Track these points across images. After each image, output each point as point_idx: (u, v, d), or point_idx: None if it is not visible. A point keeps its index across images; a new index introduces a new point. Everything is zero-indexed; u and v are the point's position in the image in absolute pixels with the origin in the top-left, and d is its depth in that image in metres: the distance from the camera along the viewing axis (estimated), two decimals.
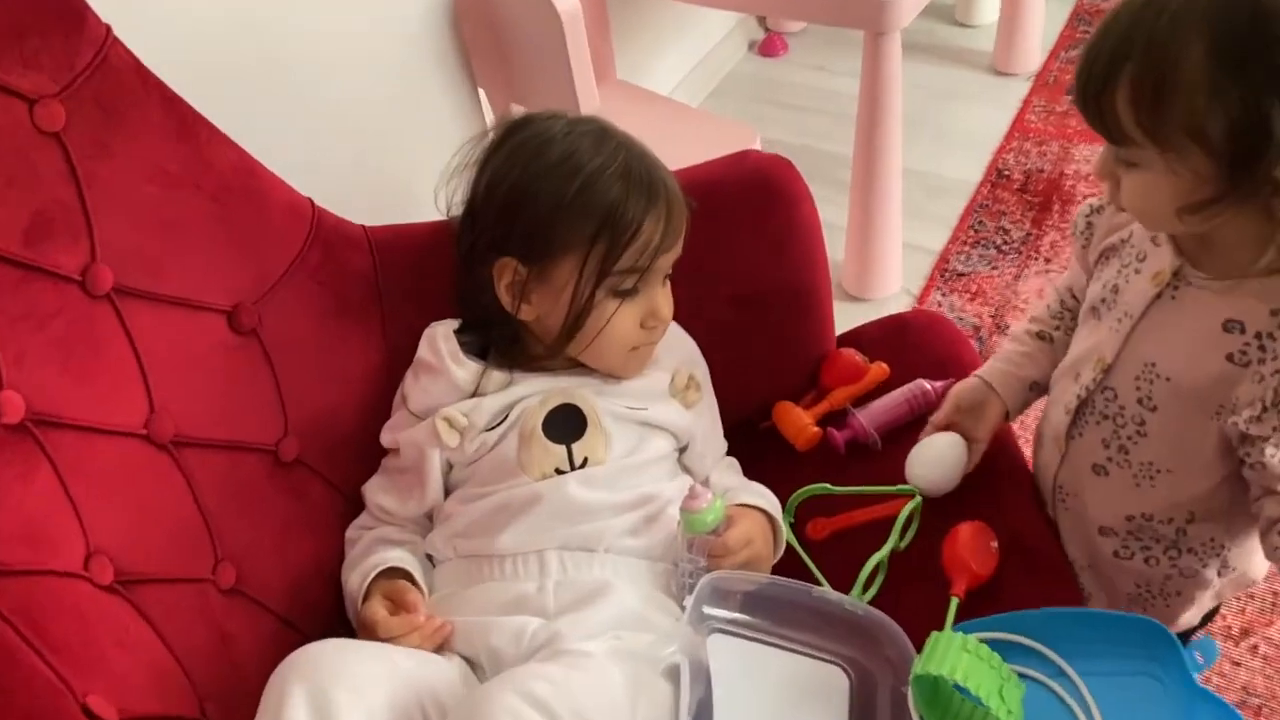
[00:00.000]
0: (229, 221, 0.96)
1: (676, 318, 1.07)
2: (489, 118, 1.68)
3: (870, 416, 1.12)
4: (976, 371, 1.05)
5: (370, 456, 1.04)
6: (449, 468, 0.99)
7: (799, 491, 1.07)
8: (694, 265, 1.11)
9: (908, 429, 1.12)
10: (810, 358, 1.18)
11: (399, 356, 1.05)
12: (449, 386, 0.99)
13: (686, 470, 1.04)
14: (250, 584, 0.94)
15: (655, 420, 0.99)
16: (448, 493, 1.00)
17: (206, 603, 0.90)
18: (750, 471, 1.11)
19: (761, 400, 1.17)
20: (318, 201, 1.06)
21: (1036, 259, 2.02)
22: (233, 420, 0.96)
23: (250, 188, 0.98)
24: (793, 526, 1.06)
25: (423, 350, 1.02)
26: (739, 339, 1.14)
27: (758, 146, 1.74)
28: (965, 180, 2.22)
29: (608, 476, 0.95)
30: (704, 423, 1.05)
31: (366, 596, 0.93)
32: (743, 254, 1.11)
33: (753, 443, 1.15)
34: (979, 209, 2.15)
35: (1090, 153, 2.24)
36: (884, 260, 1.92)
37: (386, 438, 1.02)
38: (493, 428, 0.97)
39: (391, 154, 1.44)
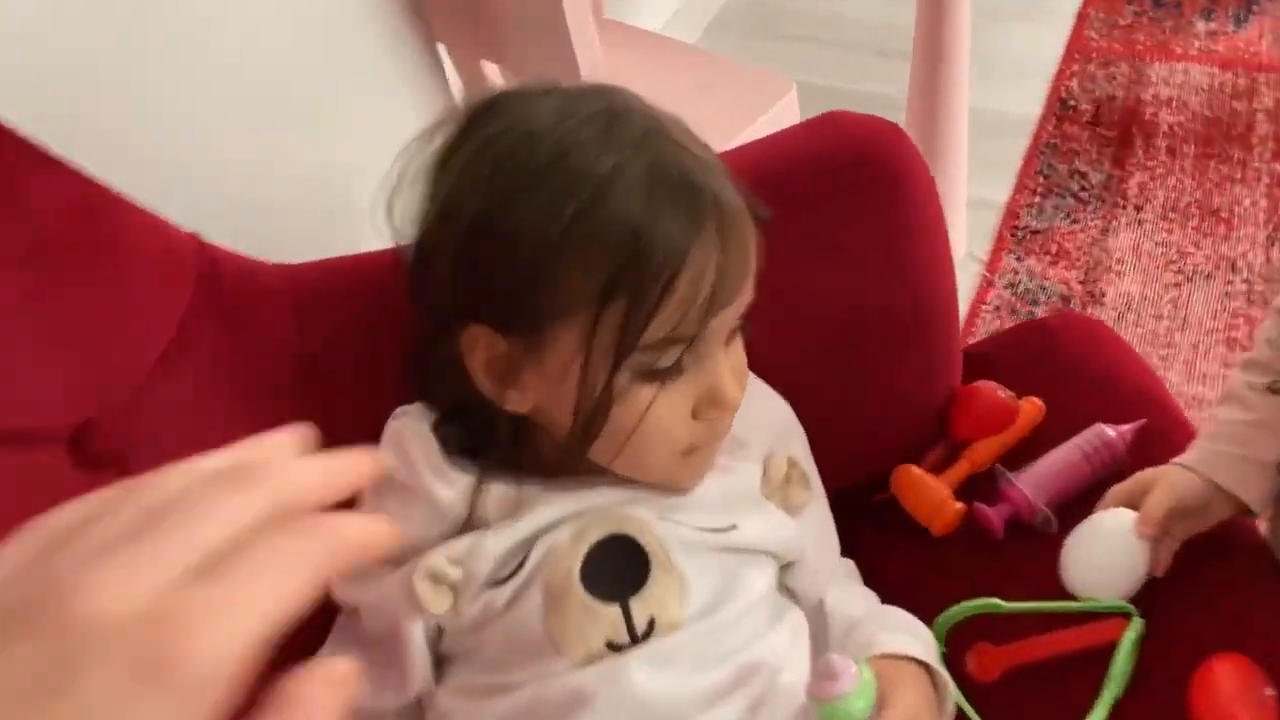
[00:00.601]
0: (56, 296, 0.60)
1: (751, 365, 0.73)
2: (454, 83, 1.30)
3: (1036, 483, 0.79)
4: (1189, 459, 0.71)
5: (323, 620, 0.70)
6: (438, 632, 0.66)
7: (952, 610, 0.74)
8: (771, 286, 0.76)
9: (1091, 499, 0.78)
10: (936, 399, 0.84)
11: None
12: (429, 513, 0.65)
13: (789, 594, 0.70)
14: None
15: (750, 543, 0.65)
16: (439, 667, 0.66)
17: None
18: (865, 564, 0.77)
19: (870, 464, 0.84)
20: (209, 235, 0.71)
21: (1125, 207, 1.68)
22: None
23: (95, 237, 0.63)
24: (945, 661, 0.73)
25: (386, 458, 0.68)
26: (837, 382, 0.80)
27: (793, 99, 1.38)
28: (1023, 116, 1.87)
29: (690, 647, 0.61)
30: (815, 527, 0.71)
31: None
32: (842, 264, 0.76)
33: (863, 526, 0.81)
34: (1045, 150, 1.79)
35: (1168, 72, 1.89)
36: (948, 220, 1.57)
37: (342, 591, 0.68)
38: (502, 580, 0.62)
39: (317, 149, 1.02)
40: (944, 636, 0.74)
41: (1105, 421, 0.80)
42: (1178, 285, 1.55)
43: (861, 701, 0.58)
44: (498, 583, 0.62)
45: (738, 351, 0.63)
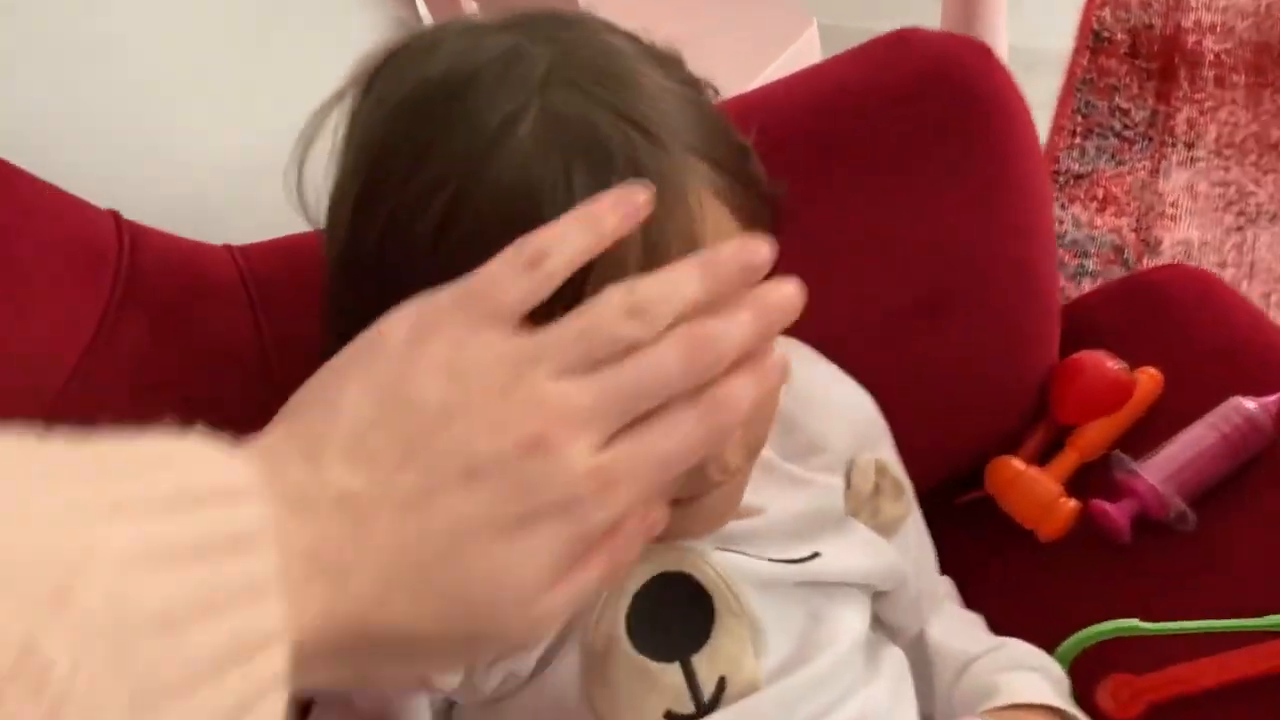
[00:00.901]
0: None
1: (818, 345, 0.59)
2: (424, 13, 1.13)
3: (1165, 472, 0.65)
4: None
5: None
6: (448, 706, 0.52)
7: (1080, 635, 0.60)
8: (837, 255, 0.62)
9: (1235, 488, 0.65)
10: (1035, 375, 0.69)
11: None
12: None
13: (882, 628, 0.56)
14: None
15: (838, 573, 0.51)
16: None
17: None
18: (960, 594, 0.64)
19: (956, 459, 0.70)
20: (135, 214, 0.56)
21: (1174, 145, 1.53)
22: None
23: None
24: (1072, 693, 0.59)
25: None
26: (915, 362, 0.65)
27: (814, 34, 1.23)
28: (1054, 50, 1.71)
29: (773, 713, 0.47)
30: (912, 545, 0.57)
31: None
32: (920, 217, 0.62)
33: (952, 534, 0.67)
34: (1082, 86, 1.64)
35: None
36: None
37: None
38: None
39: (270, 105, 0.83)
40: (1068, 669, 0.60)
41: (1238, 393, 0.66)
42: (1240, 229, 1.41)
43: None
44: None
45: None
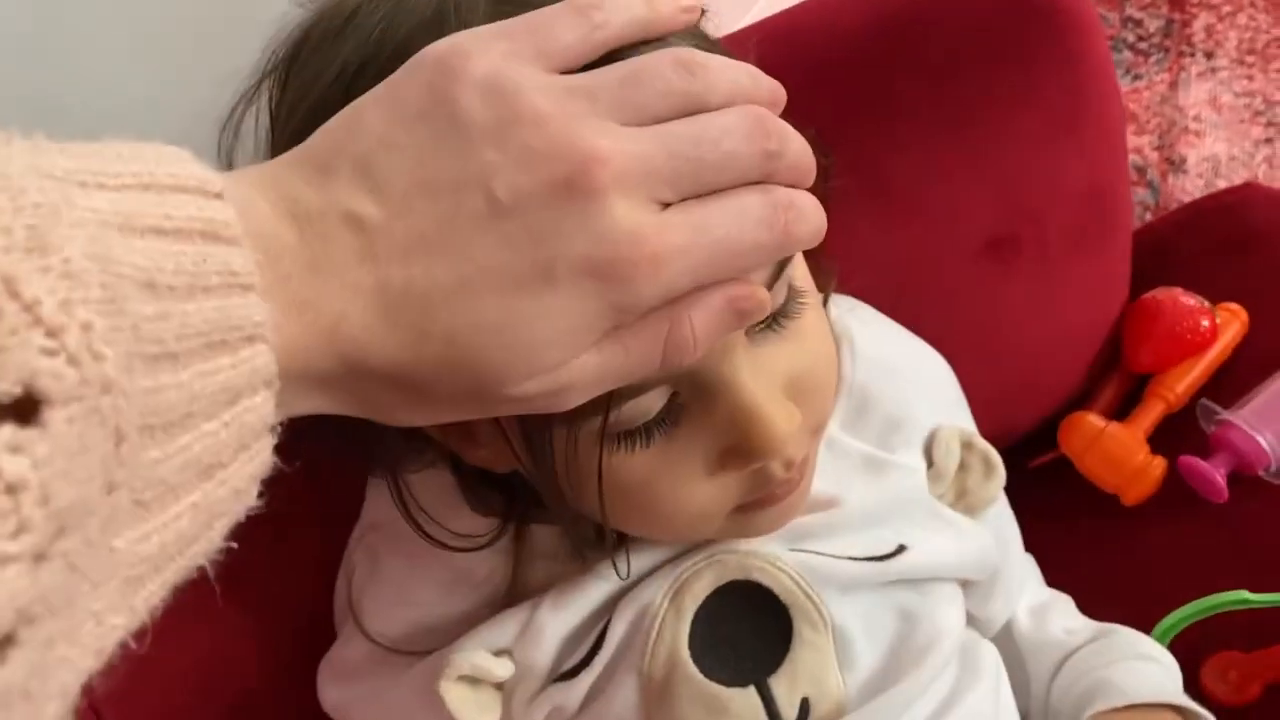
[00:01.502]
0: None
1: (882, 303, 0.51)
2: None
3: (1263, 420, 0.58)
4: None
5: None
6: None
7: (1182, 612, 0.53)
8: (904, 197, 0.54)
9: None
10: (1107, 320, 0.62)
11: (322, 528, 0.47)
12: (448, 576, 0.44)
13: (971, 620, 0.49)
14: None
15: (929, 567, 0.44)
16: None
17: None
18: (1035, 554, 0.57)
19: (1025, 413, 0.62)
20: None
21: (1193, 55, 1.44)
22: None
23: None
24: None
25: (374, 507, 0.46)
26: (988, 315, 0.58)
27: None
28: None
29: None
30: (1004, 528, 0.50)
31: None
32: (991, 154, 0.54)
33: (1025, 502, 0.59)
34: None
35: None
36: None
37: (332, 695, 0.46)
38: (574, 671, 0.41)
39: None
40: (1166, 639, 0.54)
41: None
42: (1270, 140, 1.33)
43: None
44: (567, 675, 0.41)
45: (793, 342, 0.37)
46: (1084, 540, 0.60)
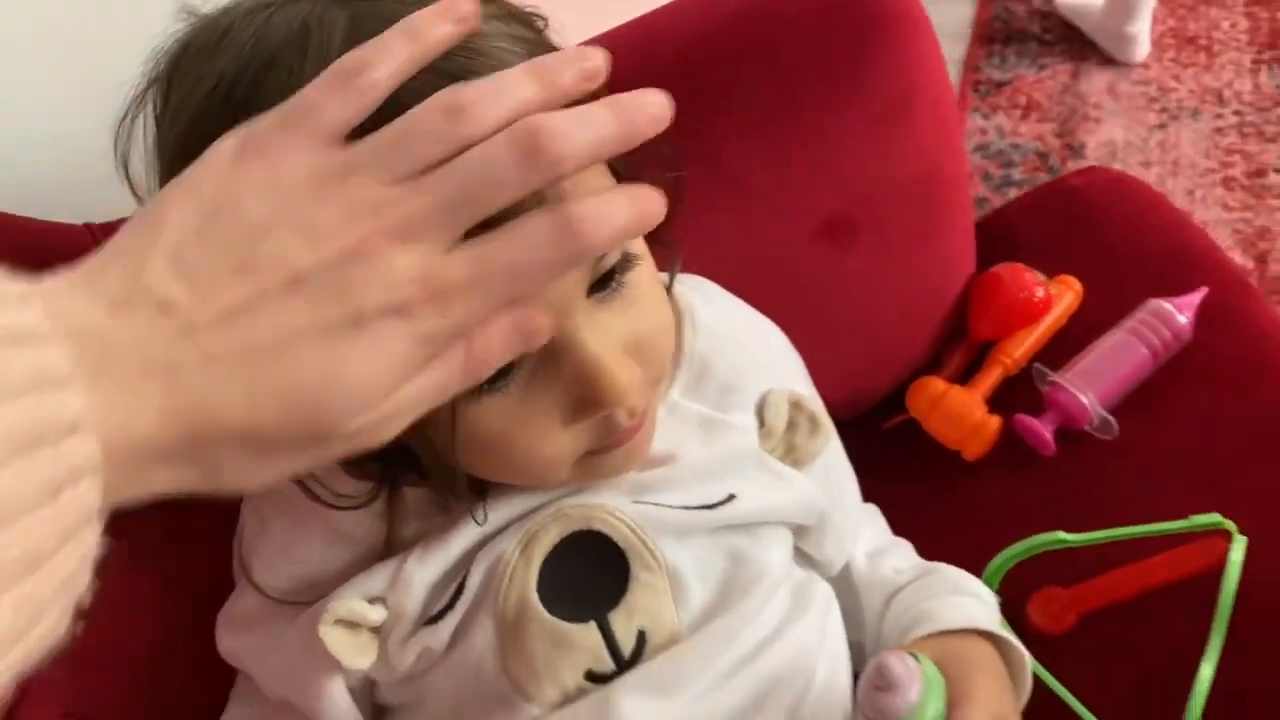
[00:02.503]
0: None
1: (726, 280, 0.57)
2: None
3: (1086, 381, 0.64)
4: None
5: (210, 677, 0.53)
6: (369, 683, 0.50)
7: (1006, 553, 0.60)
8: (743, 185, 0.60)
9: (1152, 391, 0.64)
10: (951, 292, 0.68)
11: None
12: (329, 536, 0.49)
13: (809, 563, 0.55)
14: None
15: (753, 513, 0.50)
16: (376, 715, 0.50)
17: None
18: (885, 508, 0.63)
19: (877, 380, 0.68)
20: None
21: (1094, 45, 1.52)
22: None
23: None
24: (1001, 610, 0.58)
25: None
26: (833, 289, 0.64)
27: None
28: None
29: (694, 662, 0.46)
30: (834, 477, 0.56)
31: None
32: (831, 140, 0.59)
33: (874, 453, 0.65)
34: None
35: None
36: None
37: (227, 643, 0.51)
38: (439, 615, 0.46)
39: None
40: (997, 587, 0.60)
41: (1157, 295, 0.66)
42: (1163, 126, 1.41)
43: (931, 710, 0.44)
44: (434, 619, 0.46)
45: (632, 306, 0.42)
46: (929, 493, 0.66)
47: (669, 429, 0.50)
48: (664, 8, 0.60)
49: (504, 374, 0.40)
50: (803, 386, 0.55)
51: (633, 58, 0.55)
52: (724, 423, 0.51)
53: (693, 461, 0.49)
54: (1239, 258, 1.25)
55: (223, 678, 0.52)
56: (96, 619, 0.49)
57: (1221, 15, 1.50)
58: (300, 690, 0.48)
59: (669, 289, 0.51)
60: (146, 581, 0.53)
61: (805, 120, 0.58)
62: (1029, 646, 0.56)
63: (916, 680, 0.44)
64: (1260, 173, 1.32)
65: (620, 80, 0.48)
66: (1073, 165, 1.40)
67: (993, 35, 1.56)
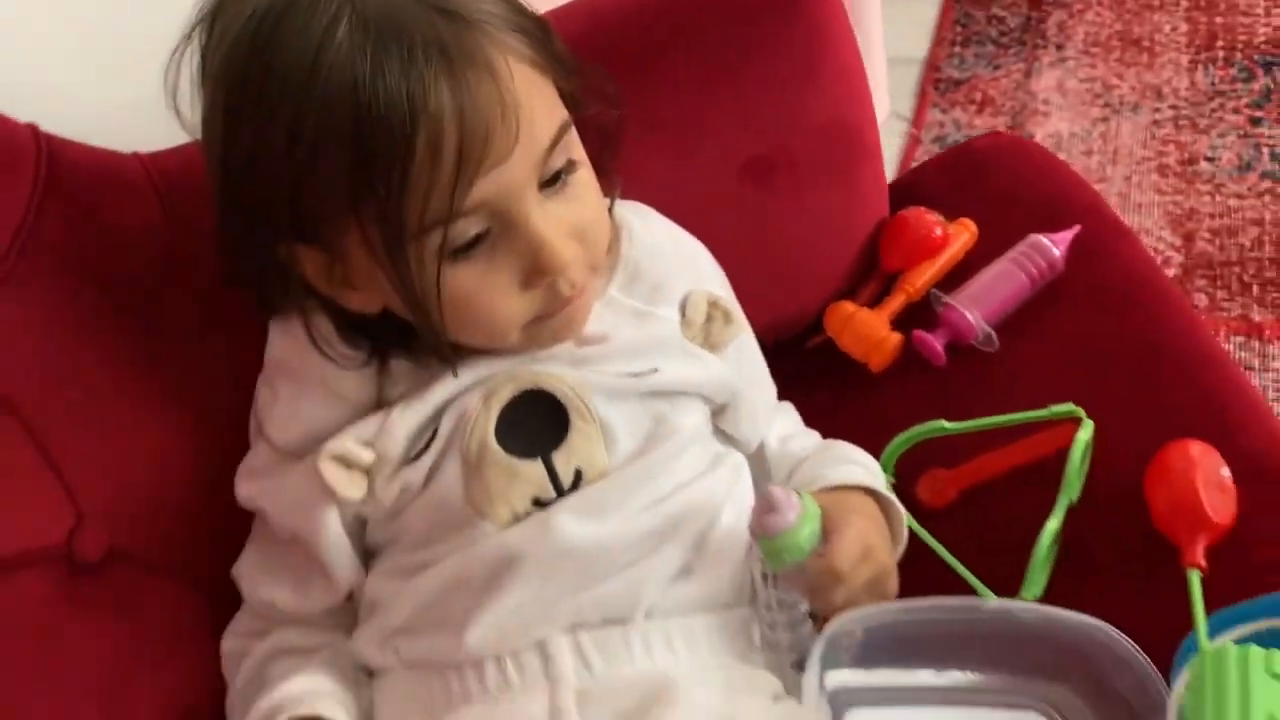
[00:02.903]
0: None
1: (663, 208, 0.68)
2: None
3: (974, 302, 0.75)
4: None
5: (238, 520, 0.65)
6: (361, 525, 0.61)
7: (899, 439, 0.71)
8: (677, 128, 0.71)
9: (1031, 312, 0.76)
10: (863, 230, 0.80)
11: (247, 359, 0.64)
12: (327, 397, 0.60)
13: (729, 441, 0.67)
14: None
15: (673, 384, 0.61)
16: (368, 561, 0.62)
17: None
18: (808, 415, 0.74)
19: (801, 307, 0.80)
20: (54, 127, 0.64)
21: (1046, 46, 1.64)
22: None
23: None
24: (895, 489, 0.69)
25: (275, 345, 0.62)
26: (758, 223, 0.75)
27: None
28: None
29: (620, 492, 0.58)
30: (745, 364, 0.67)
31: None
32: (751, 96, 0.71)
33: (801, 371, 0.77)
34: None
35: None
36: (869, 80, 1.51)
37: (244, 490, 0.63)
38: (416, 455, 0.58)
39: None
40: (891, 467, 0.71)
41: (1042, 232, 0.77)
42: (1105, 119, 1.52)
43: (807, 530, 0.55)
44: (412, 459, 0.58)
45: (574, 201, 0.55)
46: (844, 399, 0.77)
47: (605, 318, 0.61)
48: None
49: (472, 246, 0.52)
50: (721, 290, 0.67)
51: (584, 23, 0.67)
52: (652, 314, 0.63)
53: (624, 341, 0.61)
54: (1169, 236, 1.36)
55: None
56: (145, 462, 0.60)
57: (1164, 19, 1.62)
58: (303, 520, 0.59)
59: (610, 210, 0.63)
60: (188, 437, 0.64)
61: (729, 76, 0.70)
62: (919, 518, 0.67)
63: (796, 506, 0.55)
64: (1192, 160, 1.43)
65: (574, 40, 0.61)
66: None
67: (954, 39, 1.68)
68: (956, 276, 0.79)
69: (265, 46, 0.50)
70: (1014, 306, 0.76)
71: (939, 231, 0.79)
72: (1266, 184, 1.38)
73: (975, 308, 0.75)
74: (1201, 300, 1.29)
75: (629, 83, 0.65)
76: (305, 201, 0.51)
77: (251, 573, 0.64)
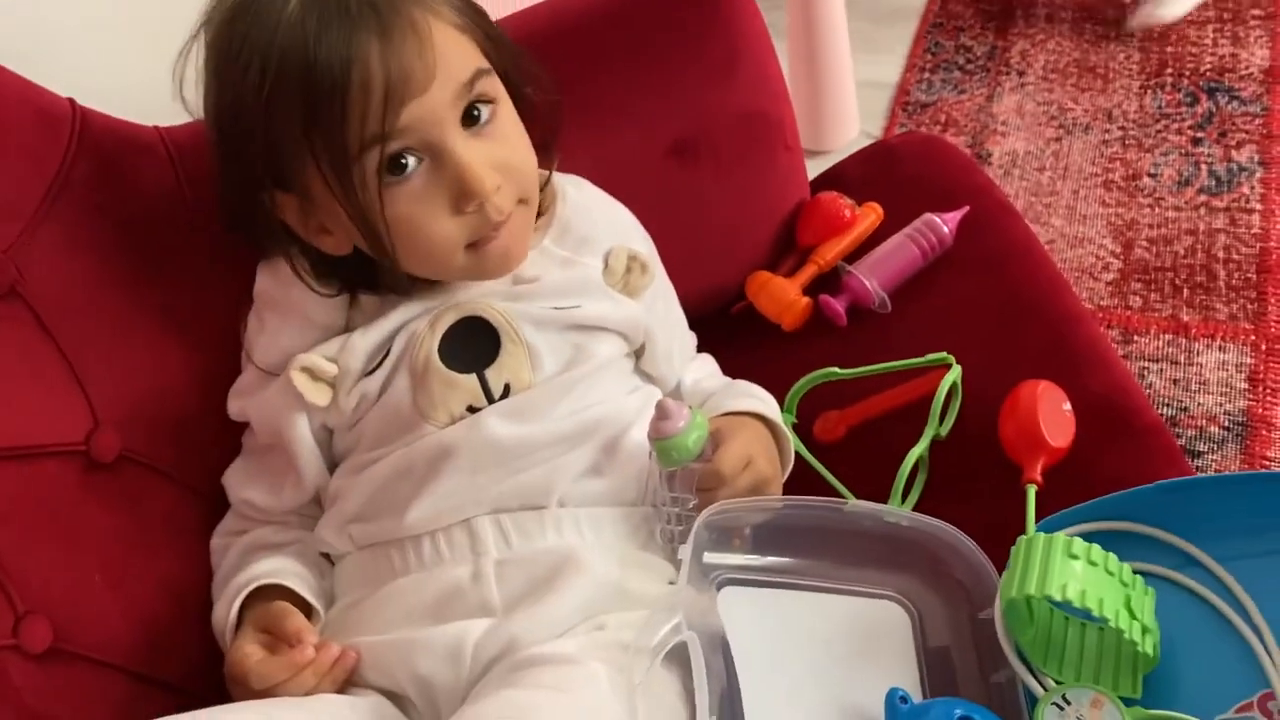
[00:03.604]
0: None
1: (601, 183, 0.80)
2: None
3: (872, 271, 0.86)
4: None
5: (230, 435, 0.77)
6: (328, 435, 0.73)
7: (799, 383, 0.82)
8: (614, 114, 0.83)
9: (923, 280, 0.87)
10: (782, 211, 0.91)
11: (242, 294, 0.77)
12: (304, 325, 0.72)
13: (649, 379, 0.78)
14: (77, 638, 0.68)
15: (592, 319, 0.73)
16: (333, 468, 0.73)
17: (6, 681, 0.63)
18: (730, 369, 0.85)
19: (728, 278, 0.91)
20: (88, 101, 0.77)
21: (1008, 73, 1.76)
22: (11, 418, 0.68)
23: None
24: (796, 429, 0.81)
25: (262, 281, 0.74)
26: (687, 201, 0.87)
27: None
28: (910, 2, 1.94)
29: (541, 402, 0.69)
30: (659, 311, 0.78)
31: (238, 630, 0.67)
32: (676, 84, 0.83)
33: (727, 333, 0.88)
34: (933, 29, 1.87)
35: None
36: (837, 103, 1.64)
37: (234, 406, 0.75)
38: (372, 370, 0.70)
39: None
40: (794, 407, 0.82)
41: (936, 212, 0.88)
42: (1058, 139, 1.63)
43: (691, 440, 0.65)
44: (369, 373, 0.70)
45: (497, 140, 0.66)
46: (761, 355, 0.88)
47: (538, 263, 0.73)
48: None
49: (405, 170, 0.64)
50: (641, 248, 0.78)
51: (545, 22, 0.80)
52: (579, 263, 0.74)
53: (552, 282, 0.73)
54: (1110, 244, 1.46)
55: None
56: (155, 381, 0.72)
57: (1119, 49, 1.74)
58: (278, 424, 0.71)
59: (547, 181, 0.74)
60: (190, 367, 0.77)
61: (656, 67, 0.82)
62: (814, 452, 0.78)
63: (685, 416, 0.66)
64: (1136, 176, 1.54)
65: (530, 33, 0.73)
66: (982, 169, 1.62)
67: (924, 65, 1.81)
68: (863, 252, 0.90)
69: (241, 18, 0.63)
70: (908, 275, 0.87)
71: (848, 213, 0.90)
72: (1203, 198, 1.49)
73: (873, 276, 0.86)
74: (1136, 301, 1.39)
75: (573, 72, 0.78)
76: (272, 143, 0.64)
77: (237, 478, 0.75)
